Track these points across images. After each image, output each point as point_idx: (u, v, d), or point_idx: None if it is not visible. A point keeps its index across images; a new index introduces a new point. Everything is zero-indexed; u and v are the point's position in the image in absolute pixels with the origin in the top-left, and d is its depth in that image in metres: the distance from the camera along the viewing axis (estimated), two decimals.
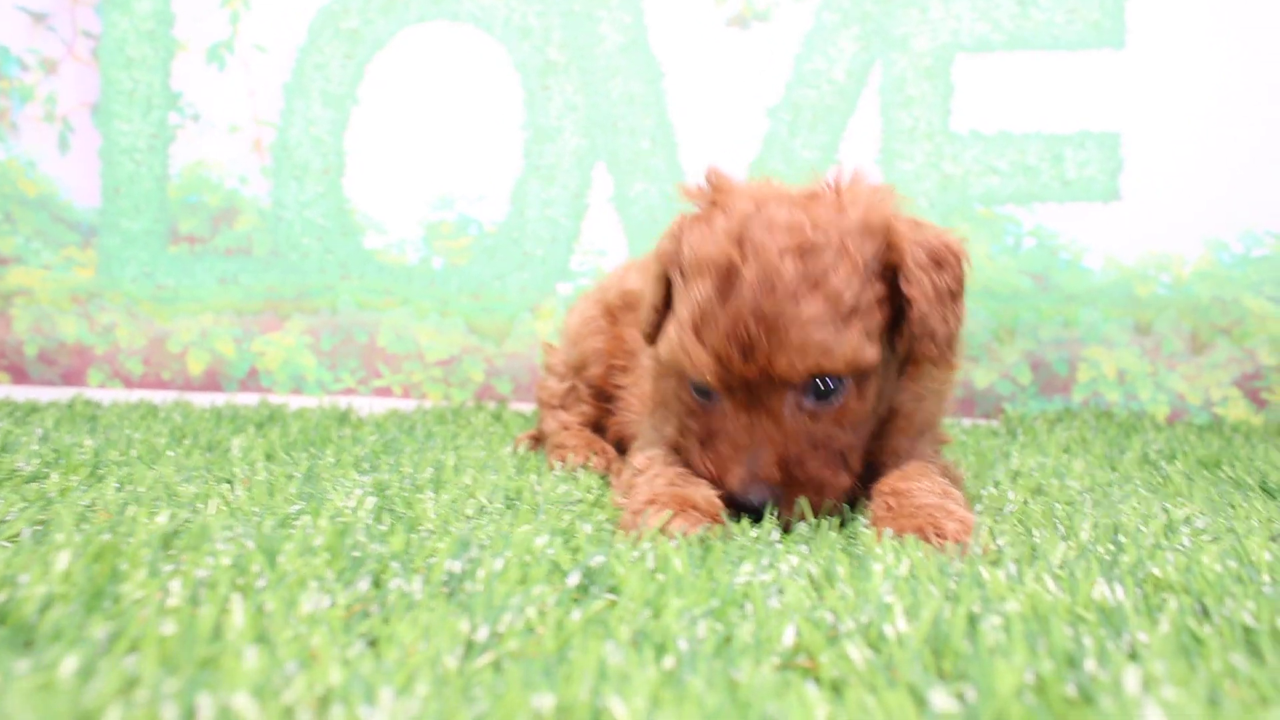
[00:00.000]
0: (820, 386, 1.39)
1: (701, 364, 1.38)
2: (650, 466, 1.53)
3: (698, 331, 1.38)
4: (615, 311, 2.12)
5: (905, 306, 1.45)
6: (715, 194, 1.53)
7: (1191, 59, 3.05)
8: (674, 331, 1.43)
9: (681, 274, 1.46)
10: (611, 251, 3.21)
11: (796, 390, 1.39)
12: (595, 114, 3.22)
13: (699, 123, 3.20)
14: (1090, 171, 3.10)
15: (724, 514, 1.36)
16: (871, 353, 1.40)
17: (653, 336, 1.60)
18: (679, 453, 1.58)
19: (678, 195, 1.58)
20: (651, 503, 1.36)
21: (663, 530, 1.28)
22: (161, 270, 3.35)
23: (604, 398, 2.14)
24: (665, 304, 1.55)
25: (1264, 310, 3.07)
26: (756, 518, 1.36)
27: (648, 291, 1.59)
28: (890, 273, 1.44)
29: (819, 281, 1.36)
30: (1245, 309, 3.07)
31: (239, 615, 0.91)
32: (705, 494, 1.38)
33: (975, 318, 3.12)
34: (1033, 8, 3.09)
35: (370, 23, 3.25)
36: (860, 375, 1.42)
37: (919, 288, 1.45)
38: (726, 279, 1.37)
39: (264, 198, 3.31)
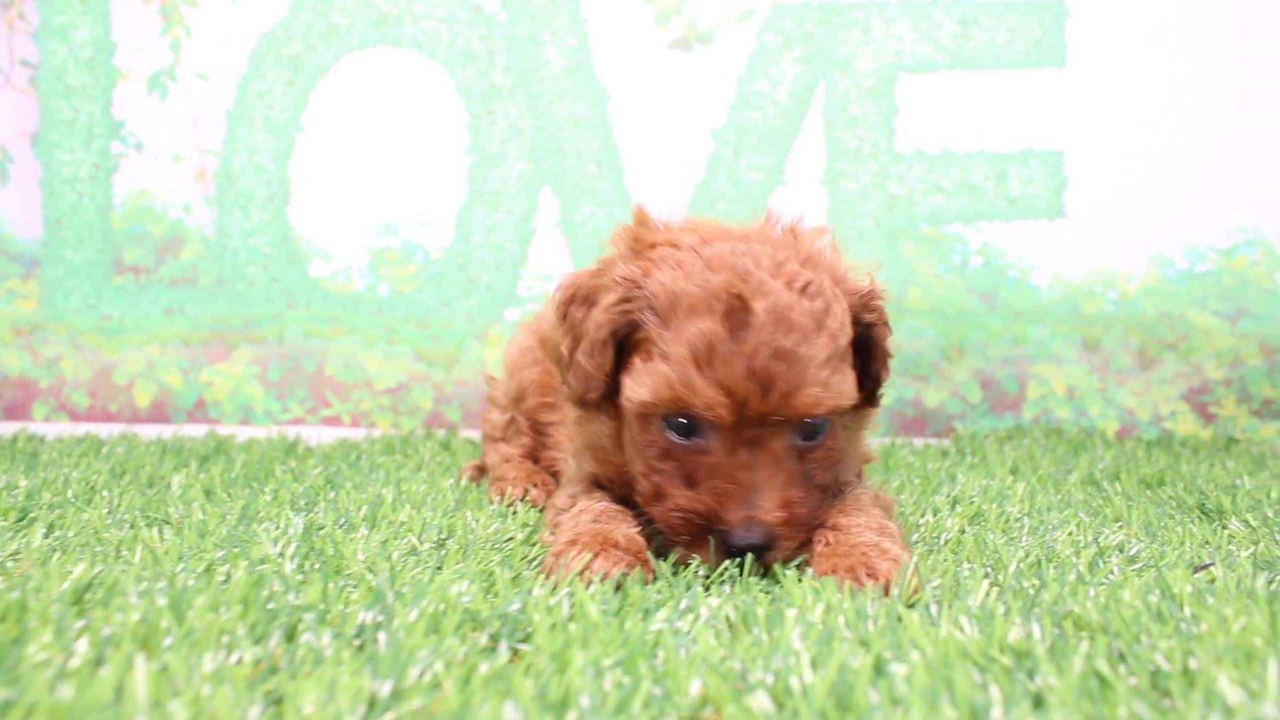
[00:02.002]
0: (809, 427, 1.38)
1: (712, 400, 1.32)
2: (573, 505, 1.52)
3: (703, 368, 1.32)
4: (548, 344, 2.09)
5: (865, 359, 1.50)
6: (648, 232, 1.50)
7: (1132, 77, 3.07)
8: (669, 369, 1.34)
9: (657, 314, 1.38)
10: (559, 276, 3.19)
11: (793, 430, 1.37)
12: (541, 138, 3.21)
13: (644, 146, 3.20)
14: (1035, 189, 3.11)
15: (647, 552, 1.35)
16: (856, 392, 1.41)
17: (596, 402, 1.50)
18: (604, 488, 1.56)
19: (614, 236, 1.54)
20: (573, 544, 1.34)
21: (583, 572, 1.27)
22: (106, 301, 3.31)
23: (539, 430, 2.12)
24: (616, 366, 1.46)
25: (1209, 325, 3.08)
26: (739, 555, 1.33)
27: (591, 354, 1.45)
28: (854, 322, 1.45)
29: (822, 321, 1.35)
30: (1191, 324, 3.09)
31: (141, 676, 0.88)
32: (626, 533, 1.37)
33: (924, 337, 3.13)
34: (974, 27, 3.10)
35: (312, 49, 3.23)
36: (840, 414, 1.42)
37: (886, 357, 1.51)
38: (735, 314, 1.32)
39: (208, 227, 3.28)
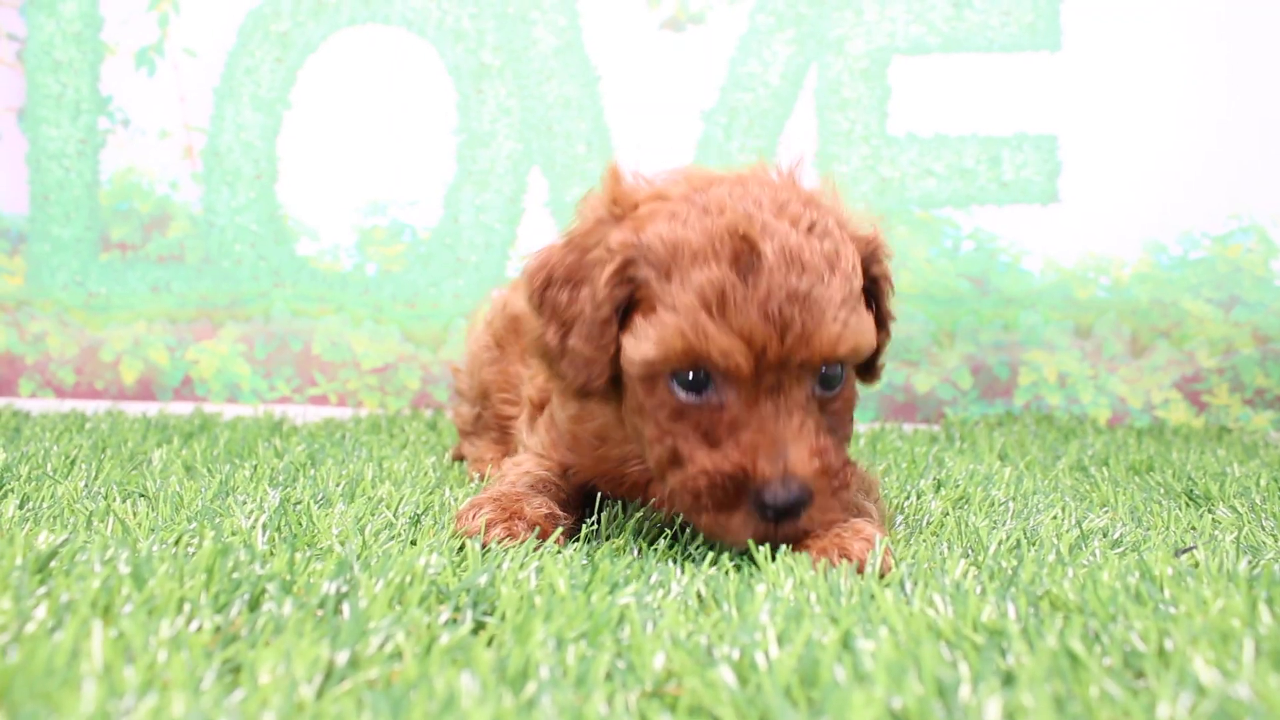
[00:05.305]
0: (827, 376, 1.30)
1: (729, 347, 1.22)
2: (508, 468, 1.55)
3: (715, 315, 1.23)
4: (502, 342, 2.00)
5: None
6: (628, 191, 1.38)
7: (1127, 61, 3.05)
8: (679, 319, 1.24)
9: (656, 268, 1.28)
10: None
11: (813, 377, 1.28)
12: (530, 118, 3.19)
13: (634, 126, 3.17)
14: (1028, 174, 3.09)
15: (558, 526, 1.38)
16: (875, 336, 1.34)
17: (602, 389, 1.38)
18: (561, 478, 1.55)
19: (583, 204, 1.43)
20: (478, 506, 1.36)
21: (485, 539, 1.30)
22: (93, 278, 3.29)
23: (504, 427, 2.03)
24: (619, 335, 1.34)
25: (1202, 313, 3.06)
26: (779, 517, 1.24)
27: (590, 338, 1.35)
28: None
29: (834, 262, 1.27)
30: (1184, 311, 3.07)
31: (97, 642, 0.87)
32: (536, 508, 1.39)
33: (915, 321, 3.11)
34: (967, 10, 3.08)
35: (300, 26, 3.21)
36: (859, 359, 1.35)
37: (888, 318, 1.45)
38: (743, 257, 1.24)
39: (195, 204, 3.26)
